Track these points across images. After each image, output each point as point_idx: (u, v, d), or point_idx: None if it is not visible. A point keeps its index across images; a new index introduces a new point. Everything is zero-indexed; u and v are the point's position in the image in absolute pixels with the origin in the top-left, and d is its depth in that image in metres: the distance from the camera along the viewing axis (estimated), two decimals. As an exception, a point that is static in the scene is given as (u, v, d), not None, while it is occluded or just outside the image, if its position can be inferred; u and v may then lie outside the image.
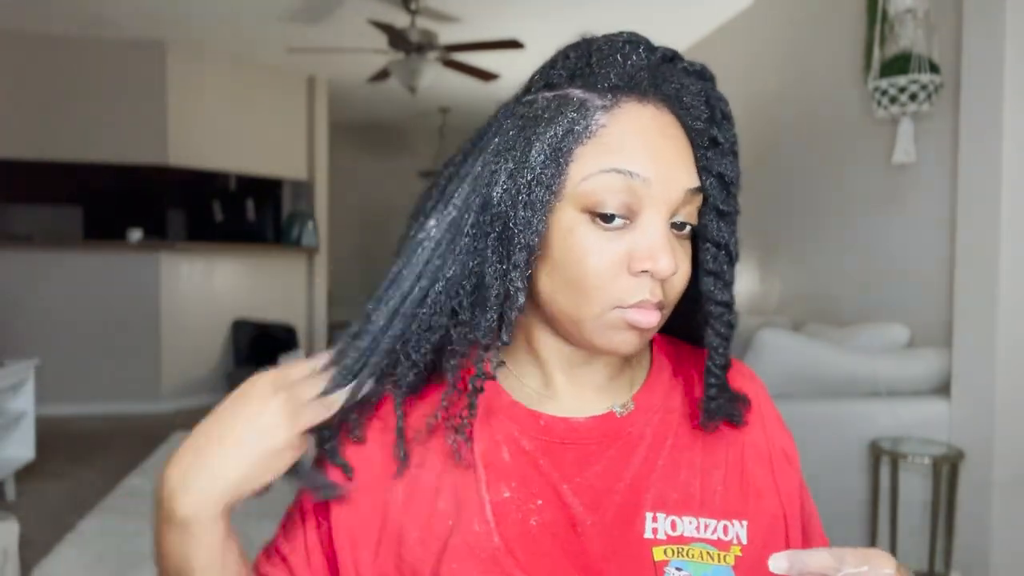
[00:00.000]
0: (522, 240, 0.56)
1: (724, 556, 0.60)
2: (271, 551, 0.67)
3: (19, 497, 3.51)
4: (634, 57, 0.58)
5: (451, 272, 0.59)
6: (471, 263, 0.59)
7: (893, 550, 2.38)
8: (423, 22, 4.72)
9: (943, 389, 2.55)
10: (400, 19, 4.60)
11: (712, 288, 0.61)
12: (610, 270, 0.56)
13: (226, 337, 5.96)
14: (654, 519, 0.61)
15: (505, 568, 0.58)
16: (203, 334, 5.82)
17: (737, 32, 4.69)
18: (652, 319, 0.57)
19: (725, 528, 0.61)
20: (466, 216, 0.59)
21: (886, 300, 3.13)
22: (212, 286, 5.91)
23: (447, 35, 4.88)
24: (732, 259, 0.62)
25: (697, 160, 0.61)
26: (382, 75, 4.96)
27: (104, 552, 2.86)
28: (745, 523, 0.62)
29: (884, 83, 2.80)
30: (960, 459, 2.32)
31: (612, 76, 0.58)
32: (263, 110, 6.22)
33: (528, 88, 0.63)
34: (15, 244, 5.31)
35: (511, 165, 0.57)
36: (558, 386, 0.65)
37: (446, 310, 0.60)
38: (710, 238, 0.61)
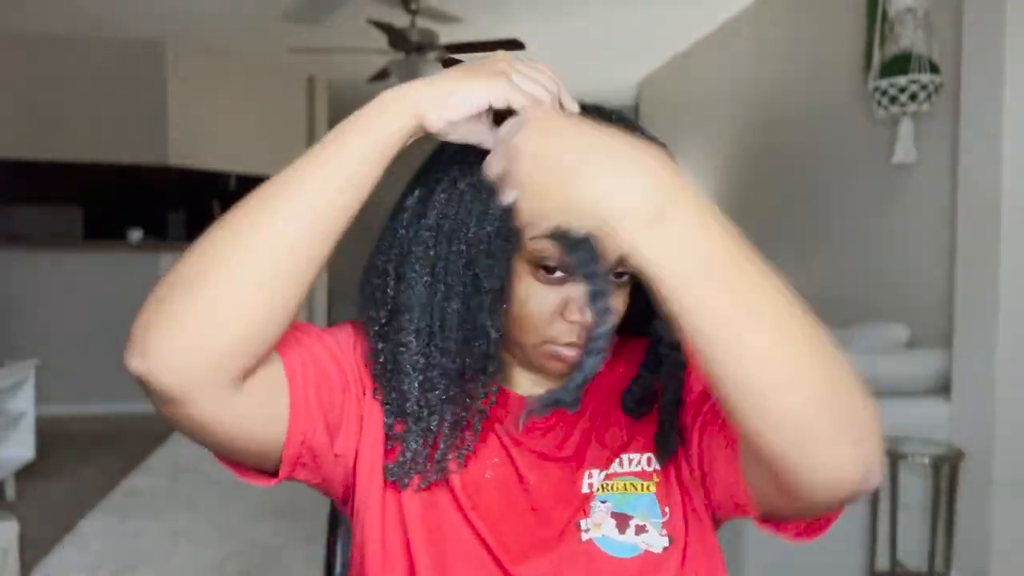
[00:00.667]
0: (485, 284, 0.62)
1: (647, 485, 0.69)
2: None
3: (19, 497, 3.51)
4: None
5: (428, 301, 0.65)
6: (438, 296, 0.64)
7: (893, 550, 2.38)
8: (423, 22, 4.72)
9: (943, 389, 2.55)
10: (400, 19, 4.60)
11: (661, 332, 0.66)
12: (546, 315, 0.64)
13: (226, 337, 5.95)
14: (590, 476, 0.69)
15: (457, 505, 0.68)
16: (203, 334, 5.81)
17: (737, 31, 4.70)
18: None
19: (649, 460, 0.70)
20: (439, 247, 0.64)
21: (886, 300, 3.13)
22: (212, 286, 5.90)
23: (447, 35, 4.88)
24: None
25: None
26: (382, 75, 4.95)
27: (104, 552, 2.86)
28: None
29: (884, 83, 2.80)
30: (960, 459, 2.32)
31: None
32: (263, 110, 6.22)
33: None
34: (15, 244, 5.31)
35: (480, 207, 0.62)
36: (517, 371, 0.73)
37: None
38: None
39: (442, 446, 0.66)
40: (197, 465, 3.98)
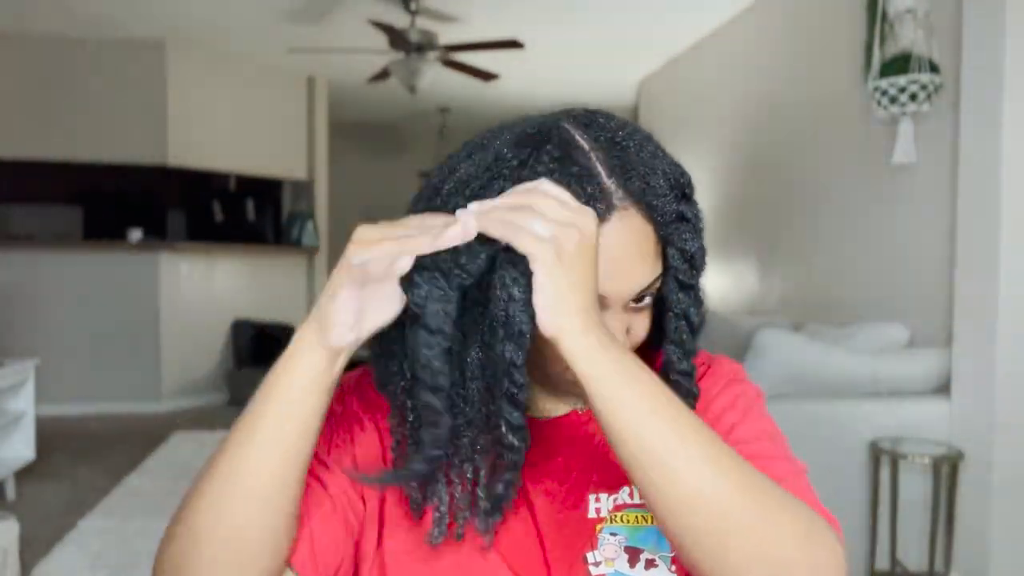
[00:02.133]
0: (503, 331, 0.57)
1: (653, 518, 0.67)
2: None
3: (19, 497, 3.51)
4: (597, 186, 0.60)
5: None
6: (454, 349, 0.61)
7: (893, 550, 2.38)
8: (423, 22, 4.72)
9: (943, 389, 2.55)
10: (400, 19, 4.60)
11: (673, 357, 0.66)
12: None
13: (226, 337, 5.96)
14: (596, 499, 0.69)
15: (472, 536, 0.67)
16: (203, 334, 5.82)
17: (737, 32, 4.70)
18: None
19: None
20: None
21: (886, 300, 3.13)
22: (212, 286, 5.91)
23: (447, 35, 4.88)
24: (693, 329, 0.67)
25: (660, 237, 0.63)
26: (382, 75, 4.96)
27: (104, 552, 2.86)
28: None
29: (884, 83, 2.80)
30: (960, 459, 2.32)
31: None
32: (263, 110, 6.22)
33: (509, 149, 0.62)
34: (15, 244, 5.31)
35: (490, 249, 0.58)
36: (535, 393, 0.72)
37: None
38: (671, 308, 0.66)
39: (482, 495, 0.64)
40: (197, 465, 3.98)
